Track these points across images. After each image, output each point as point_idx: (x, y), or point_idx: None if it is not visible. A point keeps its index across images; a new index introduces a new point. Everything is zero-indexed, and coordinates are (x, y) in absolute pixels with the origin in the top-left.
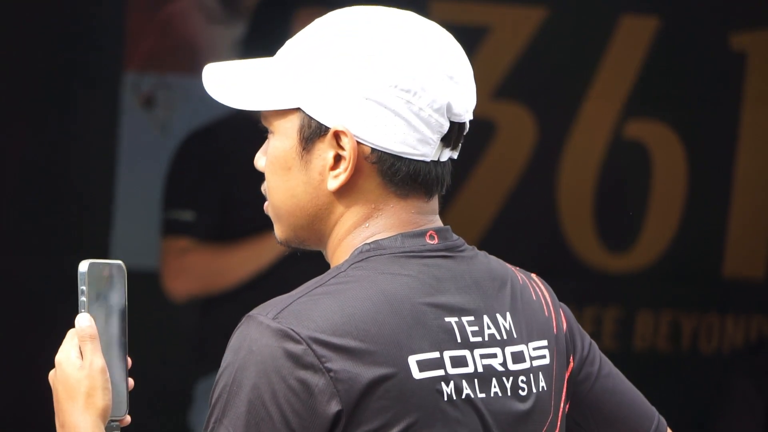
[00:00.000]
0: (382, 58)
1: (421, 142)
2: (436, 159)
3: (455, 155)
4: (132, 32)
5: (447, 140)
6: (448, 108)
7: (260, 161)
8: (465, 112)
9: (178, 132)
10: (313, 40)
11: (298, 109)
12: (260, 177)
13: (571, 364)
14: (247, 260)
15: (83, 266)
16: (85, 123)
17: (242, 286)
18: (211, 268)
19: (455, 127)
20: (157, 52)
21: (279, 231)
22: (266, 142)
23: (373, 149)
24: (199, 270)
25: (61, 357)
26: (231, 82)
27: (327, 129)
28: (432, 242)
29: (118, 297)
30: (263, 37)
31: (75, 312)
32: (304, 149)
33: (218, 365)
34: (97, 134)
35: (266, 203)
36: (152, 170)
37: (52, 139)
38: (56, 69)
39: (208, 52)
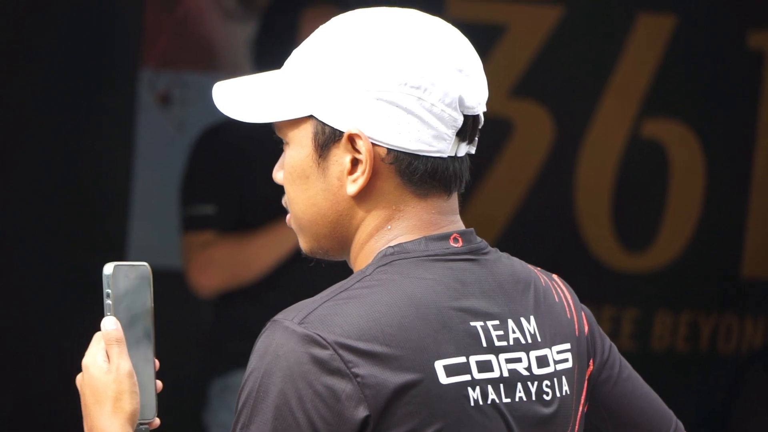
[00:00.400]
0: (389, 57)
1: (436, 138)
2: (453, 154)
3: (472, 150)
4: (149, 30)
5: (462, 134)
6: (461, 101)
7: (278, 174)
8: (478, 105)
9: (195, 129)
10: (319, 47)
11: (311, 117)
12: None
13: (591, 367)
14: (269, 246)
15: (108, 269)
16: (102, 121)
17: (259, 286)
18: (235, 259)
19: (469, 120)
20: (174, 49)
21: (303, 242)
22: (282, 154)
23: (389, 150)
24: (223, 262)
25: (87, 361)
26: (241, 97)
27: (341, 133)
28: (456, 245)
29: (144, 299)
30: (271, 36)
31: (100, 314)
32: (320, 156)
33: (233, 365)
34: (114, 132)
35: (288, 216)
36: (169, 168)
37: (69, 137)
38: (73, 66)
39: (224, 50)
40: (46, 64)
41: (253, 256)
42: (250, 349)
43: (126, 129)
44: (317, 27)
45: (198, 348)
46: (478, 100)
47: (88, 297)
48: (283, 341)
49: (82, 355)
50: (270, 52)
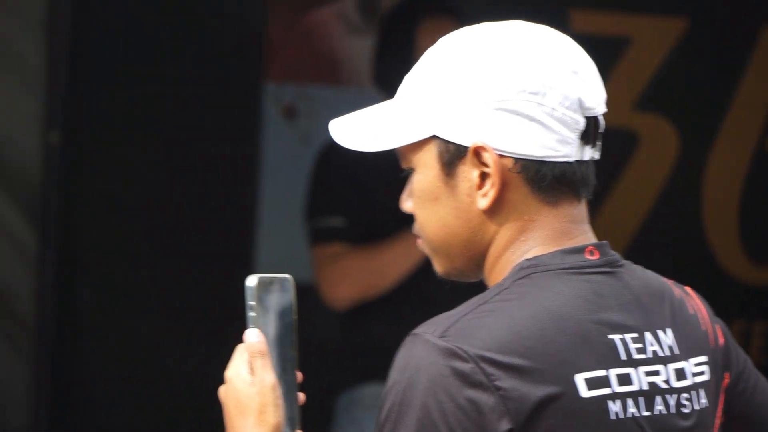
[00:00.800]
0: (504, 66)
1: (560, 143)
2: (579, 158)
3: (597, 155)
4: (273, 43)
5: (586, 137)
6: (580, 103)
7: (407, 203)
8: (597, 105)
9: (321, 142)
10: (430, 68)
11: (433, 137)
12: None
13: (727, 379)
14: (400, 256)
15: (251, 281)
16: (228, 135)
17: (385, 300)
18: (366, 270)
19: (591, 122)
20: (298, 62)
21: (438, 265)
22: (408, 183)
23: (515, 159)
24: (355, 274)
25: (231, 373)
26: (360, 129)
27: (466, 148)
28: (592, 258)
29: (287, 310)
30: (389, 49)
31: (235, 326)
32: (447, 175)
33: (360, 379)
34: (240, 145)
35: (419, 240)
36: (296, 180)
37: (196, 151)
38: (199, 81)
39: (348, 63)
40: (172, 79)
41: (385, 267)
42: (377, 362)
43: (252, 142)
44: (434, 39)
45: (325, 361)
46: (597, 101)
47: (221, 310)
48: (423, 354)
49: (223, 368)
50: (388, 66)
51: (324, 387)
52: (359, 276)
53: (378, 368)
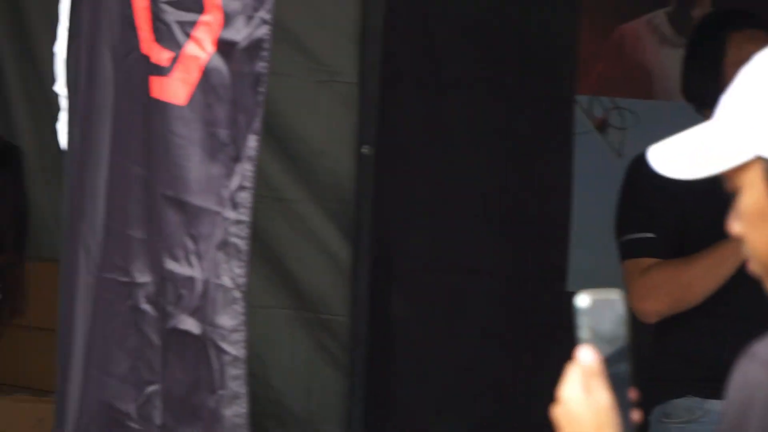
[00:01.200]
0: None
1: None
2: None
3: None
4: (584, 56)
5: None
6: None
7: (735, 227)
8: None
9: (632, 154)
10: (747, 87)
11: (758, 157)
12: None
13: None
14: (710, 268)
15: (583, 301)
16: (540, 147)
17: (693, 313)
18: (675, 284)
19: None
20: (610, 75)
21: None
22: (734, 206)
23: None
24: (664, 287)
25: (565, 394)
26: (682, 156)
27: None
28: None
29: (617, 328)
30: (697, 61)
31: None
32: None
33: (672, 392)
34: (552, 158)
35: (749, 264)
36: (608, 192)
37: (507, 163)
38: (510, 93)
39: (660, 75)
40: (483, 92)
41: (694, 281)
42: (691, 376)
43: (565, 155)
44: (743, 52)
45: (639, 373)
46: None
47: (534, 322)
48: (760, 374)
49: (540, 380)
50: (696, 78)
51: (640, 399)
52: (668, 289)
53: (691, 382)
